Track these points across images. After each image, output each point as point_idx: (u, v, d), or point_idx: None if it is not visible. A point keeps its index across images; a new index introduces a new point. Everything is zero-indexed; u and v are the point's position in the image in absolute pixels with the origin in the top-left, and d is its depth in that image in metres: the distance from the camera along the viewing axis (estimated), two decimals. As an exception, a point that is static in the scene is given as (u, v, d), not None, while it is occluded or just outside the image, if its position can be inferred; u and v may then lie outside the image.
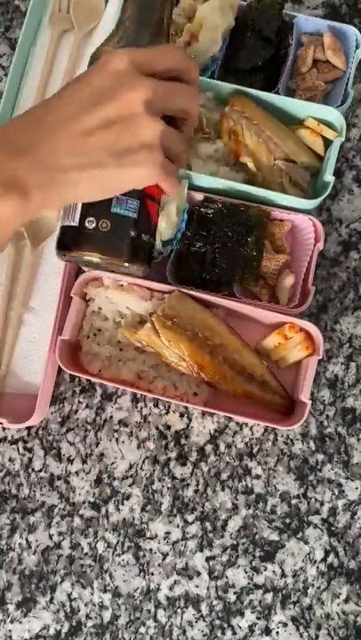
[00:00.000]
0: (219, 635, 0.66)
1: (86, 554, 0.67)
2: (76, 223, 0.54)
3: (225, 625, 0.66)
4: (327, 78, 0.71)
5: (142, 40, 0.54)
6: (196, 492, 0.68)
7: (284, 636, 0.66)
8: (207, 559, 0.67)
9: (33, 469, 0.69)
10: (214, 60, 0.69)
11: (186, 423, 0.69)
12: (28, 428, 0.69)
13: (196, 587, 0.66)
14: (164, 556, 0.67)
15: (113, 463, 0.69)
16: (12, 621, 0.66)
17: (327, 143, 0.68)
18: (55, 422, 0.69)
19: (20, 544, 0.67)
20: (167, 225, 0.65)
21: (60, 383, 0.70)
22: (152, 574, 0.67)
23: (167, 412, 0.69)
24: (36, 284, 0.69)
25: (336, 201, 0.72)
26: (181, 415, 0.69)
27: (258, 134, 0.66)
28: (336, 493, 0.68)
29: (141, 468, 0.68)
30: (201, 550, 0.67)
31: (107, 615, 0.67)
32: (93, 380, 0.65)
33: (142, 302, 0.65)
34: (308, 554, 0.67)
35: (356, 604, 0.67)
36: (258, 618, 0.67)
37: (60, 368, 0.68)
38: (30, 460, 0.69)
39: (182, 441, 0.69)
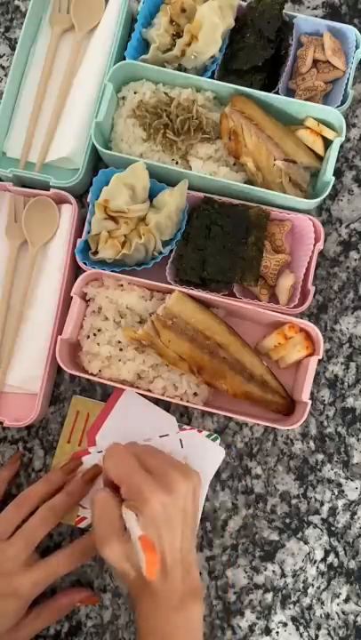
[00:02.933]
0: (219, 634, 0.66)
1: (86, 554, 0.67)
2: None
3: (225, 625, 0.66)
4: (327, 78, 0.71)
5: None
6: (196, 491, 0.68)
7: (283, 636, 0.66)
8: (207, 559, 0.67)
9: (33, 469, 0.69)
10: (214, 60, 0.69)
11: (186, 423, 0.69)
12: (28, 428, 0.69)
13: (196, 586, 0.66)
14: (164, 555, 0.67)
15: (113, 463, 0.69)
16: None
17: (327, 143, 0.68)
18: (55, 422, 0.69)
19: (20, 544, 0.67)
20: (167, 225, 0.65)
21: (60, 383, 0.70)
22: (152, 574, 0.67)
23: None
24: (36, 283, 0.69)
25: (336, 201, 0.72)
26: (181, 415, 0.69)
27: (258, 134, 0.66)
28: (336, 493, 0.68)
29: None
30: (201, 550, 0.67)
31: (107, 615, 0.67)
32: (93, 379, 0.65)
33: (142, 302, 0.65)
34: (308, 554, 0.67)
35: (356, 603, 0.67)
36: (258, 618, 0.67)
37: (59, 368, 0.68)
38: (30, 460, 0.69)
39: (182, 441, 0.69)
